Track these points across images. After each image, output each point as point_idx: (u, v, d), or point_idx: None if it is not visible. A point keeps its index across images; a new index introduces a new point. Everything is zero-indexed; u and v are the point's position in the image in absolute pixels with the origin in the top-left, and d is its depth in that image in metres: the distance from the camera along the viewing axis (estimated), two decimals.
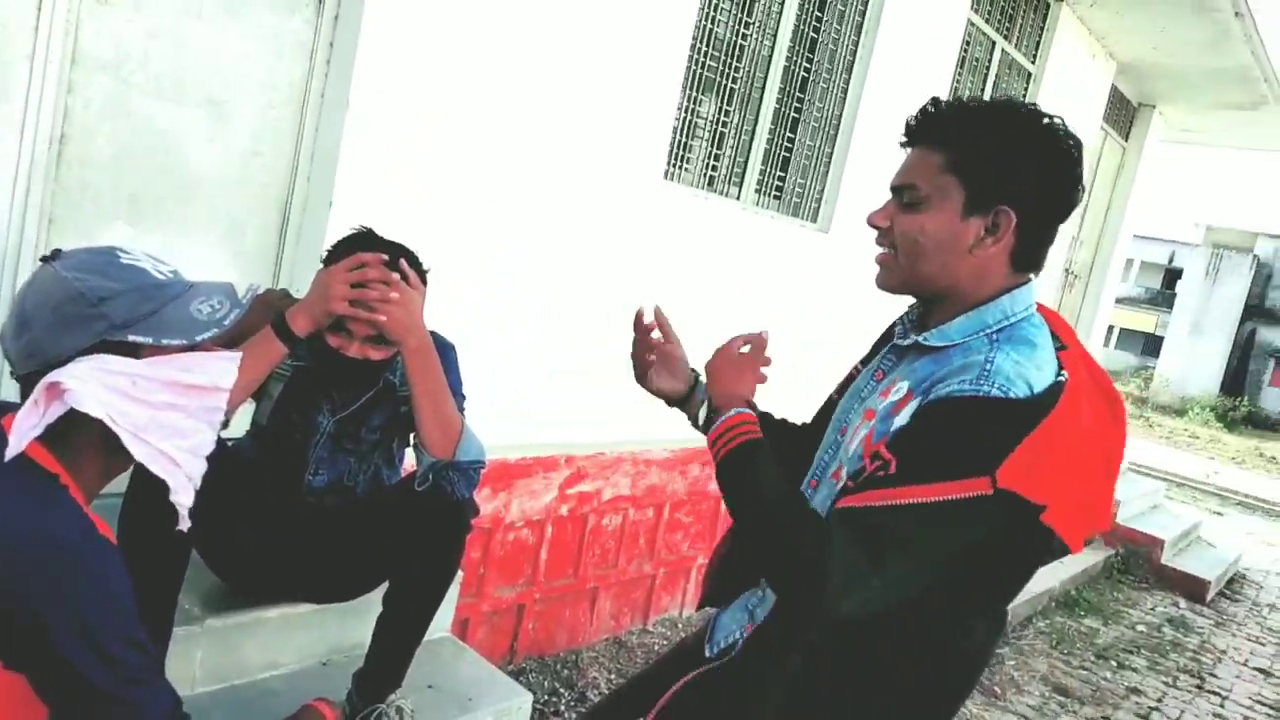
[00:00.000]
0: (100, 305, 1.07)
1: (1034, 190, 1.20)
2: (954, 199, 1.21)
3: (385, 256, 1.74)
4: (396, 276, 1.73)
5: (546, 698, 3.13)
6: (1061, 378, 1.16)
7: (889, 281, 1.31)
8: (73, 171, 2.12)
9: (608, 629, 3.71)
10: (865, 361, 1.46)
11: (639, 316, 1.55)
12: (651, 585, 3.86)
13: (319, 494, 1.98)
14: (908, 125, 1.29)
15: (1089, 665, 4.56)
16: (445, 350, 1.90)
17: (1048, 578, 5.30)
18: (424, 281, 1.83)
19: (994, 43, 5.21)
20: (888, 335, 1.44)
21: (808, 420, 1.56)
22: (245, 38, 2.33)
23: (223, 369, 1.16)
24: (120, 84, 2.15)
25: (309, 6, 2.42)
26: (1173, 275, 32.95)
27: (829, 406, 1.47)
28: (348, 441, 1.96)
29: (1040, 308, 1.28)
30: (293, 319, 1.70)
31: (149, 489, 1.57)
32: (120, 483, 1.36)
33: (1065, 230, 6.76)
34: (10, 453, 1.01)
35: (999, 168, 1.20)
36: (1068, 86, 5.89)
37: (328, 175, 2.46)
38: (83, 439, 1.08)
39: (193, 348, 1.13)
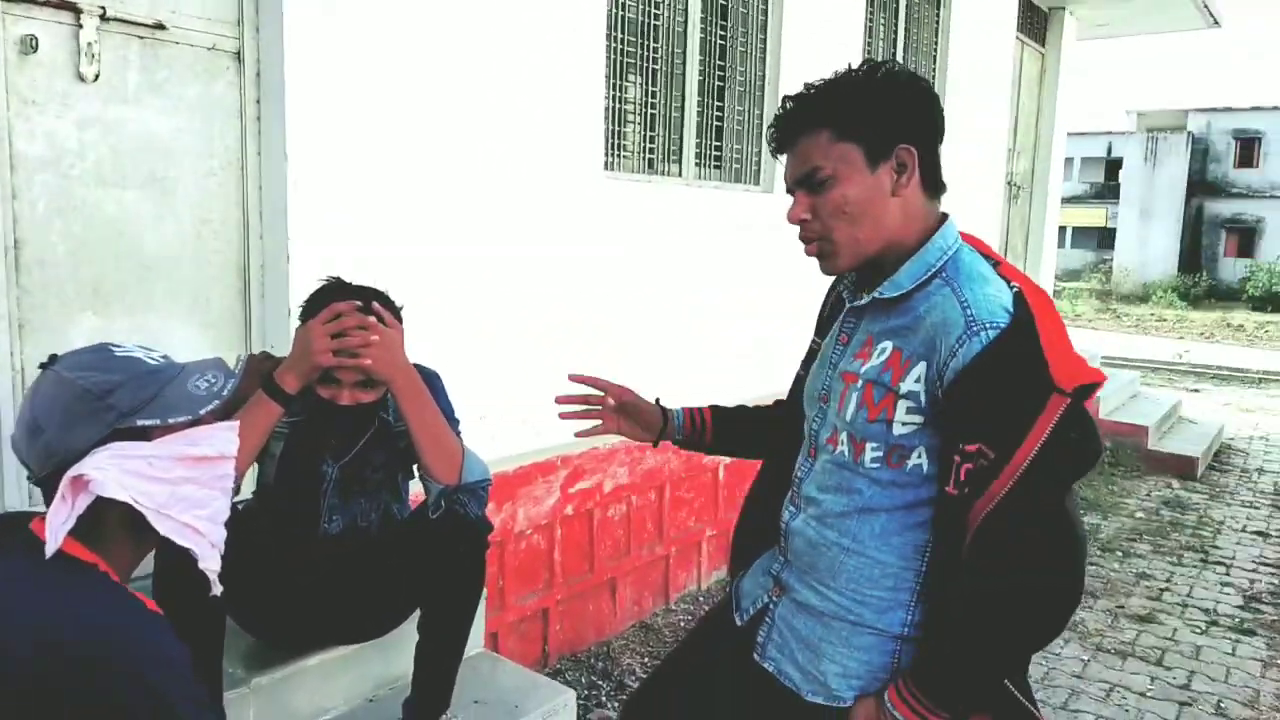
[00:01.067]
0: (107, 398, 1.12)
1: (916, 120, 1.33)
2: (856, 160, 1.32)
3: (358, 302, 1.80)
4: (373, 319, 1.79)
5: (587, 692, 3.21)
6: (1014, 288, 1.28)
7: (837, 264, 1.39)
8: (32, 274, 2.15)
9: (632, 615, 3.79)
10: (821, 333, 1.54)
11: (569, 399, 1.70)
12: (666, 566, 3.94)
13: (336, 540, 2.03)
14: (778, 130, 1.38)
15: (1096, 560, 4.69)
16: (431, 379, 1.96)
17: None
18: (399, 319, 1.88)
19: None
20: (835, 305, 1.53)
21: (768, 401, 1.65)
22: (173, 111, 2.35)
23: (226, 438, 1.23)
24: (62, 179, 2.17)
25: (229, 69, 2.45)
26: (1114, 166, 33.32)
27: (798, 383, 1.56)
28: (355, 485, 2.02)
29: (963, 235, 1.39)
30: (282, 379, 1.76)
31: (174, 567, 1.62)
32: (143, 569, 1.42)
33: (1000, 144, 6.83)
34: (50, 550, 1.06)
35: (879, 114, 1.31)
36: (978, 4, 5.99)
37: (280, 230, 2.49)
38: (111, 525, 1.14)
39: (196, 423, 1.19)
